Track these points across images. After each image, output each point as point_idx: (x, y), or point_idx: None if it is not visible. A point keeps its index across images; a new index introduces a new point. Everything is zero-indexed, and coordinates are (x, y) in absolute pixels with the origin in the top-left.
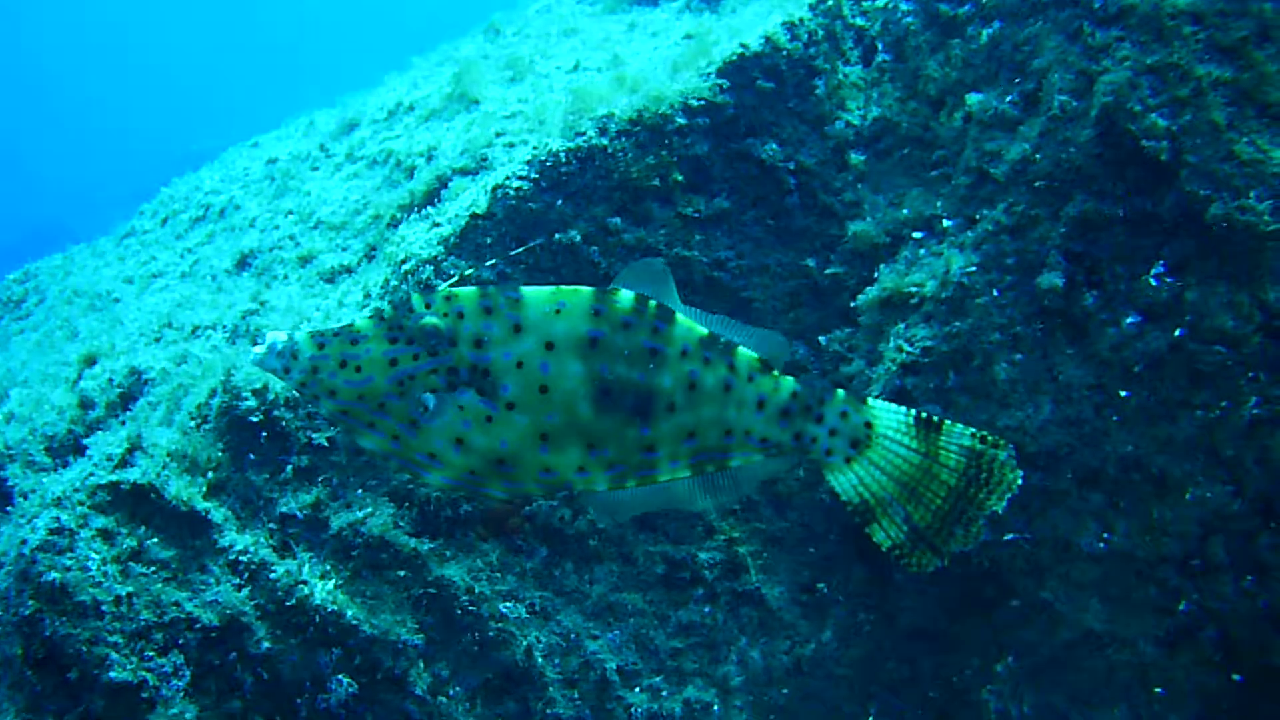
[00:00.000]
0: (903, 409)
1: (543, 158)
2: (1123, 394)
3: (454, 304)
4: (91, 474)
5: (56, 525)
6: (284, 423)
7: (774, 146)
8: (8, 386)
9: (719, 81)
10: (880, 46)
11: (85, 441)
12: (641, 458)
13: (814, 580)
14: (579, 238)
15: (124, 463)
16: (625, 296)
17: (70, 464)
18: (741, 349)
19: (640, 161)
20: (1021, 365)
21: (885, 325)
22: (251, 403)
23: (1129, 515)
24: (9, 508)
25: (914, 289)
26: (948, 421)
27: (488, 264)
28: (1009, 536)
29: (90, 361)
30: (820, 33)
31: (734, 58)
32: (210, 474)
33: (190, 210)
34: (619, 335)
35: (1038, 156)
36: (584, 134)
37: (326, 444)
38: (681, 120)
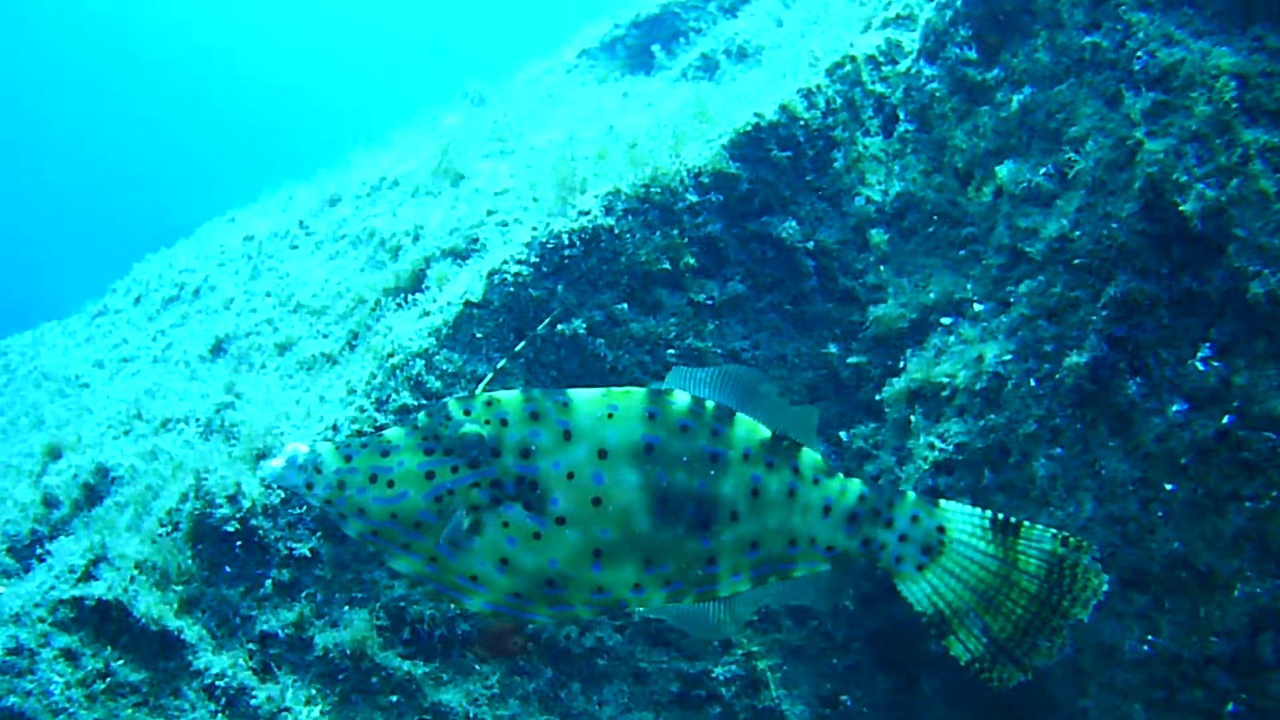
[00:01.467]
0: (978, 511)
1: (543, 239)
2: (1168, 487)
3: (496, 410)
4: (53, 587)
5: (14, 645)
6: (262, 532)
7: (793, 225)
8: None
9: (732, 153)
10: (902, 115)
11: (49, 546)
12: (702, 572)
13: (836, 693)
14: (584, 329)
15: (88, 575)
16: (680, 398)
17: (33, 568)
18: (805, 450)
19: (649, 243)
20: (1061, 460)
21: (914, 419)
22: (226, 510)
23: (1175, 615)
24: None
25: (946, 380)
26: (1026, 523)
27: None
28: None
29: (55, 454)
30: (839, 101)
31: (748, 128)
32: (181, 587)
33: (164, 289)
34: (676, 440)
35: (1076, 233)
36: (588, 213)
37: (309, 555)
38: (693, 197)
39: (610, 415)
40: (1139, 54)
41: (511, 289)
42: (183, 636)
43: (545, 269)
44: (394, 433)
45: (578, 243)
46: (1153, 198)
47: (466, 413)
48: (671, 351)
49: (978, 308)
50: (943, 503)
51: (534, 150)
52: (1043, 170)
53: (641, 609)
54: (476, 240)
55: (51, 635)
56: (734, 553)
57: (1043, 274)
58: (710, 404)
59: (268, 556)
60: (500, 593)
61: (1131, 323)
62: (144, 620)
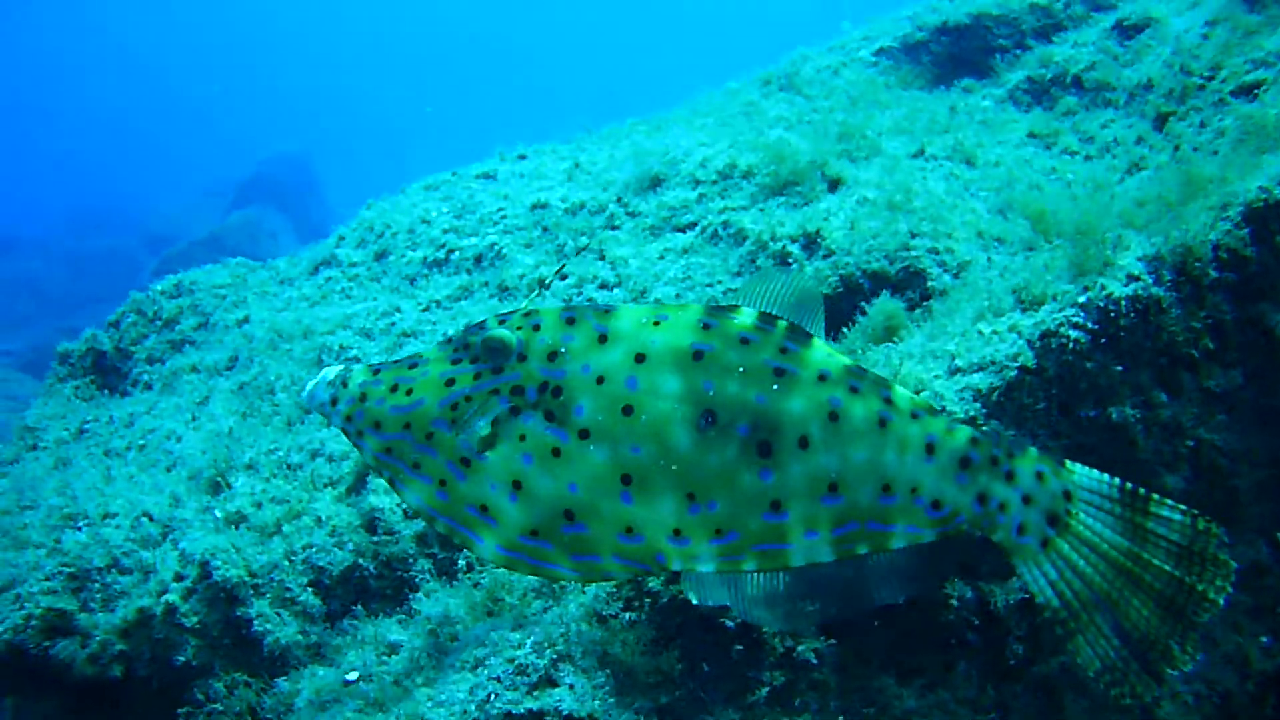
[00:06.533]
0: (1107, 476)
1: (1100, 302)
2: None
3: (532, 318)
4: (494, 695)
5: None
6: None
7: None
8: (224, 467)
9: (1245, 229)
10: None
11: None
12: (763, 521)
13: None
14: (1134, 416)
15: (547, 680)
16: (747, 313)
17: (372, 622)
18: (899, 388)
19: (1186, 321)
20: None
21: None
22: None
23: None
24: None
25: None
26: (1157, 495)
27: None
28: None
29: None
30: None
31: (1259, 204)
32: (648, 696)
33: (422, 247)
34: (733, 350)
35: None
36: (1138, 278)
37: (814, 659)
38: (1214, 274)
39: (657, 323)
40: None
41: (1070, 358)
42: None
43: (1103, 340)
44: (429, 348)
45: (1132, 313)
46: None
47: (501, 321)
48: (1190, 442)
49: None
50: (1069, 463)
51: (891, 158)
52: None
53: (685, 567)
54: (909, 269)
55: None
56: (807, 495)
57: None
58: (783, 323)
59: (760, 655)
60: (513, 530)
61: None
62: None
